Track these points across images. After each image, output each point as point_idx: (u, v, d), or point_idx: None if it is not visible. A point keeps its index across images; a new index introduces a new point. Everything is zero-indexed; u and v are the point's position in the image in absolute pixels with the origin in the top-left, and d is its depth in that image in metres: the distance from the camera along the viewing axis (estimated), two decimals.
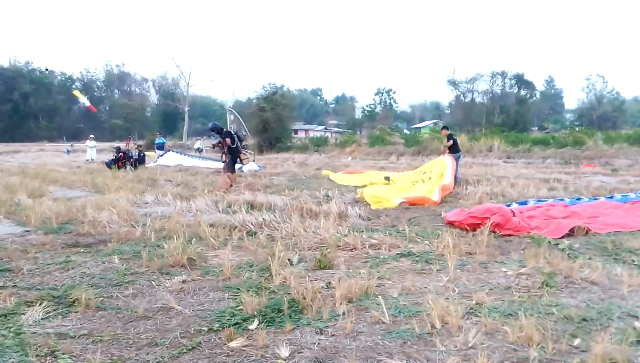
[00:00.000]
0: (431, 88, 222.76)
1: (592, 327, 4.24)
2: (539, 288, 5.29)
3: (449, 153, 17.01)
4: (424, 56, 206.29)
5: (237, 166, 16.34)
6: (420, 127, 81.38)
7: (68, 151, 46.06)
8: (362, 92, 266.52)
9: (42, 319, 4.55)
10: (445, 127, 19.55)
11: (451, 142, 17.22)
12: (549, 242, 7.26)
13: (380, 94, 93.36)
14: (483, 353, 3.65)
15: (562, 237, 7.68)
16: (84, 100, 43.94)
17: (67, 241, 7.75)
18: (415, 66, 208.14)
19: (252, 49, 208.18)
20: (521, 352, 3.78)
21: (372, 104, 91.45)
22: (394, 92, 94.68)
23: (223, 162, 15.17)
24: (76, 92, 39.95)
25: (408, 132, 62.41)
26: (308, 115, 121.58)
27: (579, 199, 10.91)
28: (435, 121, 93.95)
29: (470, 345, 3.91)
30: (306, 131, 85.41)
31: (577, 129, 46.21)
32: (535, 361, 3.62)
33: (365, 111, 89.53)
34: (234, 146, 14.75)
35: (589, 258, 6.43)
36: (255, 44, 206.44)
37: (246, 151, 15.87)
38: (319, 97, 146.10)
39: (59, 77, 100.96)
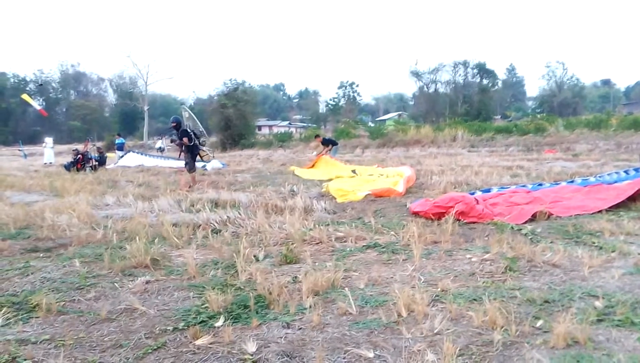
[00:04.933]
0: (394, 80, 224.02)
1: (554, 308, 4.31)
2: (502, 272, 5.35)
3: (329, 152, 21.61)
4: (386, 48, 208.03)
5: (200, 164, 16.29)
6: (384, 120, 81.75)
7: (25, 154, 45.17)
8: (326, 86, 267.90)
9: (1, 326, 4.43)
10: (317, 136, 26.32)
11: (330, 146, 22.04)
12: (512, 228, 7.34)
13: (344, 88, 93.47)
14: (448, 338, 3.68)
15: (525, 222, 7.79)
16: (33, 104, 43.05)
17: (26, 247, 7.54)
18: (378, 58, 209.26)
19: (212, 45, 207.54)
20: (485, 336, 3.82)
21: (336, 97, 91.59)
22: (357, 85, 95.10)
23: (185, 162, 15.09)
24: (25, 96, 39.11)
25: (373, 124, 62.67)
26: (271, 110, 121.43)
27: (540, 184, 11.06)
28: (400, 113, 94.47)
29: (436, 331, 3.94)
30: (270, 126, 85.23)
31: (538, 116, 47.02)
32: (499, 344, 3.66)
33: (329, 105, 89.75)
34: (192, 144, 14.74)
35: (551, 242, 6.54)
36: (215, 40, 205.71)
37: (205, 148, 15.85)
38: (282, 92, 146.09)
39: (12, 80, 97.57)
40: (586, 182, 10.75)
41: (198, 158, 15.77)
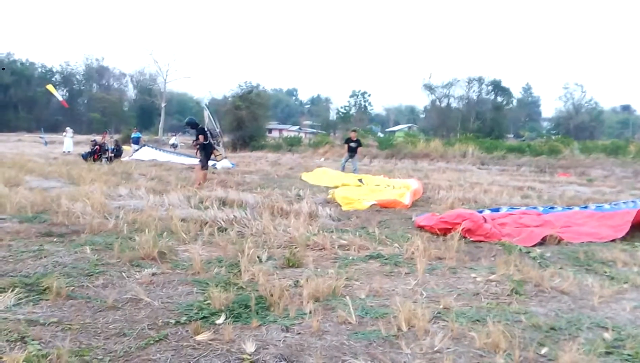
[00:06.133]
0: (407, 92, 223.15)
1: (561, 336, 4.23)
2: (508, 295, 5.29)
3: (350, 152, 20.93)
4: (400, 59, 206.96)
5: (210, 163, 16.42)
6: (394, 131, 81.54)
7: (46, 142, 45.71)
8: (338, 93, 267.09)
9: (13, 305, 4.56)
10: (354, 130, 23.84)
11: (355, 148, 20.97)
12: (520, 250, 7.22)
13: (356, 96, 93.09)
14: (449, 357, 3.66)
15: (534, 245, 7.66)
16: (57, 95, 43.87)
17: (41, 230, 7.75)
18: (391, 69, 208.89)
19: (229, 47, 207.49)
20: (487, 358, 3.78)
21: (347, 105, 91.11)
22: (369, 95, 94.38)
23: (200, 159, 15.28)
24: (49, 87, 39.82)
25: (382, 135, 62.51)
26: (283, 115, 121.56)
27: (552, 208, 10.82)
28: (410, 125, 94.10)
29: (436, 349, 3.91)
30: (280, 130, 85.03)
31: (553, 137, 46.52)
32: None
33: (340, 113, 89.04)
34: (207, 142, 14.88)
35: (560, 268, 6.40)
36: (233, 43, 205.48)
37: (218, 148, 15.99)
38: (294, 98, 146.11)
39: (40, 70, 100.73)
40: (600, 209, 10.40)
41: (212, 156, 15.95)
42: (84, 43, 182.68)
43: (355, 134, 22.32)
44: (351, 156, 21.11)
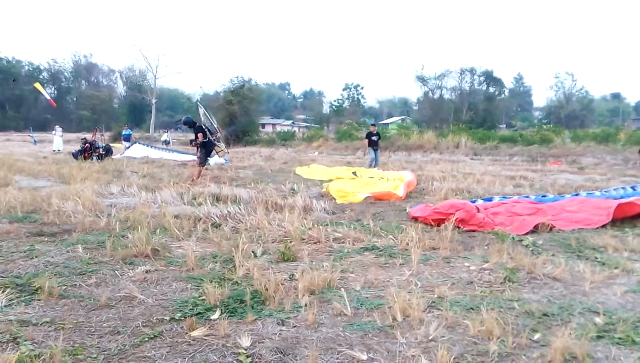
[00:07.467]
0: (399, 84, 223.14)
1: (553, 321, 4.27)
2: (501, 283, 5.33)
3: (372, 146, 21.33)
4: (392, 51, 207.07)
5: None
6: (387, 123, 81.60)
7: (35, 141, 45.65)
8: (331, 87, 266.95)
9: (4, 306, 4.53)
10: (373, 124, 24.98)
11: (375, 142, 21.53)
12: (513, 238, 7.25)
13: (349, 89, 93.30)
14: (443, 345, 3.66)
15: (527, 234, 7.71)
16: (44, 93, 43.88)
17: (32, 230, 7.69)
18: (383, 61, 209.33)
19: (220, 42, 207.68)
20: (481, 346, 3.80)
21: (340, 99, 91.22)
22: (362, 88, 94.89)
23: (198, 156, 15.24)
24: (37, 85, 39.80)
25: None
26: (276, 109, 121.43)
27: (544, 196, 10.92)
28: (403, 117, 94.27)
29: (430, 337, 3.93)
30: (273, 125, 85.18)
31: (544, 127, 46.73)
32: (495, 354, 3.64)
33: (333, 106, 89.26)
34: (206, 140, 14.81)
35: (552, 255, 6.47)
36: (223, 37, 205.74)
37: (219, 144, 16.00)
38: (287, 92, 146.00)
39: (27, 67, 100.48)
40: (591, 196, 10.57)
41: (213, 153, 15.98)
42: (72, 40, 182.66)
43: (375, 127, 22.91)
44: (374, 150, 21.46)
